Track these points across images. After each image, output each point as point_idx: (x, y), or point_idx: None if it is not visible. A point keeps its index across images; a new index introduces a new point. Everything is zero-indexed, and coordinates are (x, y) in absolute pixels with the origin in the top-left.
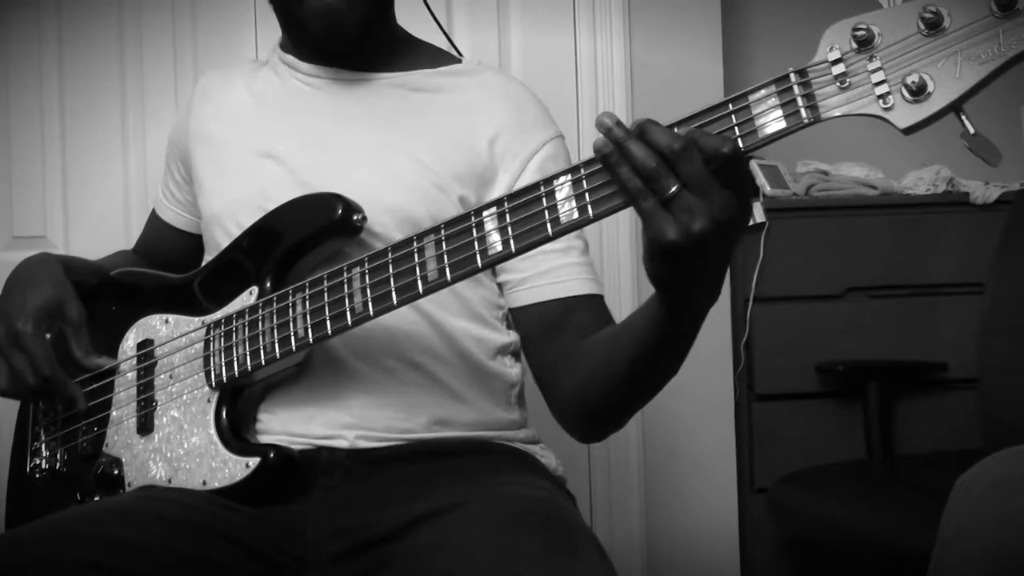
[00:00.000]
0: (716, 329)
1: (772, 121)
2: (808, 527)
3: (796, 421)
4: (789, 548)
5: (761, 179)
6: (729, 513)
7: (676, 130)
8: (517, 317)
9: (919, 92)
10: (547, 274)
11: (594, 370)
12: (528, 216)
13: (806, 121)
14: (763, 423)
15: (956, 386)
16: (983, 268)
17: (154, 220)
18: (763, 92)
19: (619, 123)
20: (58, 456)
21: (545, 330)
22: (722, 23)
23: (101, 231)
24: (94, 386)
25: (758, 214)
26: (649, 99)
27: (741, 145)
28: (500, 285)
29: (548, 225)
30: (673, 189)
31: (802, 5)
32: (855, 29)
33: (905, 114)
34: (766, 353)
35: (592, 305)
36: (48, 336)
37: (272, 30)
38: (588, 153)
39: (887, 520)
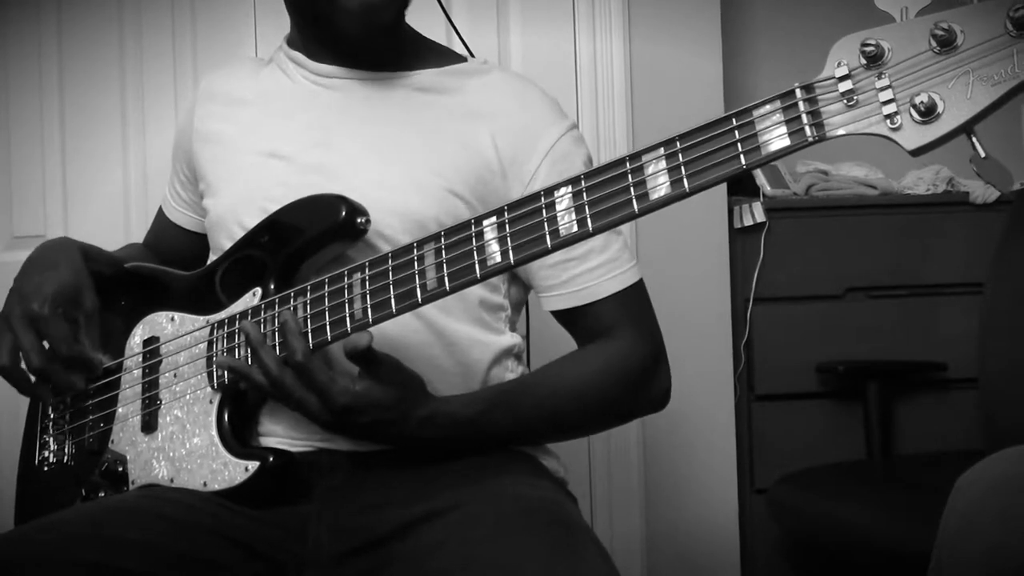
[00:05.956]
0: (716, 329)
1: (776, 138)
2: (808, 527)
3: (796, 421)
4: (789, 548)
5: (761, 179)
6: (729, 513)
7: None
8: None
9: (928, 113)
10: (567, 283)
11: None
12: (527, 227)
13: (811, 139)
14: (763, 423)
15: (956, 386)
16: (983, 268)
17: (161, 218)
18: (768, 108)
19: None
20: (66, 449)
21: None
22: (722, 23)
23: (101, 231)
24: (100, 382)
25: (758, 214)
26: (649, 99)
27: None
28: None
29: (547, 237)
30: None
31: (802, 6)
32: (864, 44)
33: (913, 135)
34: (766, 353)
35: (589, 311)
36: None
37: (272, 30)
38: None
39: (887, 520)
